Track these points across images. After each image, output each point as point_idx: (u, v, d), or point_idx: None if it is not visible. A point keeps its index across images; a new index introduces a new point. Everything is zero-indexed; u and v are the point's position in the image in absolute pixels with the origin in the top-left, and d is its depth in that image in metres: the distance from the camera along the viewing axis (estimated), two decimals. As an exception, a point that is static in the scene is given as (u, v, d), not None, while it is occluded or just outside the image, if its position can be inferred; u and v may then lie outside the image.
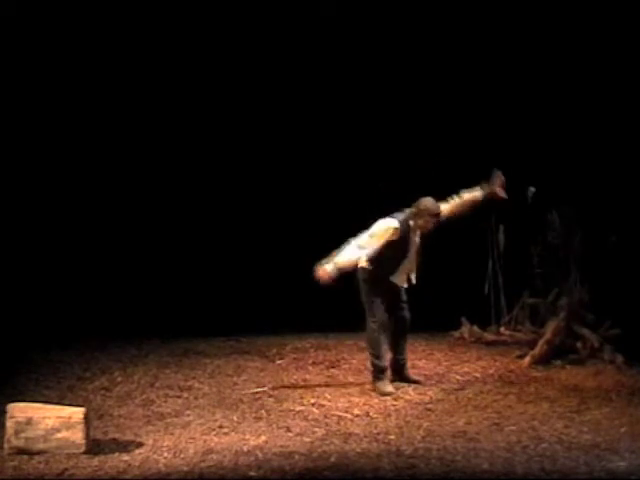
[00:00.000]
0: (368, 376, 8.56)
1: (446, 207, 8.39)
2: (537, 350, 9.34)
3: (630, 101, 10.34)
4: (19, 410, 6.83)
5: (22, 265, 10.81)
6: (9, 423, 6.79)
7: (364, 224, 8.27)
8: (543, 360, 9.26)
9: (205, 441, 7.05)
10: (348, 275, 8.35)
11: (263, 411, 7.81)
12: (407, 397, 8.18)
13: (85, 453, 6.74)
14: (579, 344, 9.46)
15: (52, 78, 10.89)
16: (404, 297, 8.49)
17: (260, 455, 6.70)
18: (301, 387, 8.54)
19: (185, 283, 10.99)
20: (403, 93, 10.98)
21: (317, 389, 8.43)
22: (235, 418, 7.62)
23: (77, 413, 6.84)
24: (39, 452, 6.72)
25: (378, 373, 8.40)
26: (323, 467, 6.43)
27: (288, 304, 10.61)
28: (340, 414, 7.69)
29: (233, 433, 7.25)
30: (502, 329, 10.36)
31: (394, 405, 7.95)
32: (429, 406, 7.91)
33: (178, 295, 10.87)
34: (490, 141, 10.81)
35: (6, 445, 6.78)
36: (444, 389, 8.44)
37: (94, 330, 10.38)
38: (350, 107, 11.07)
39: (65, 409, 6.94)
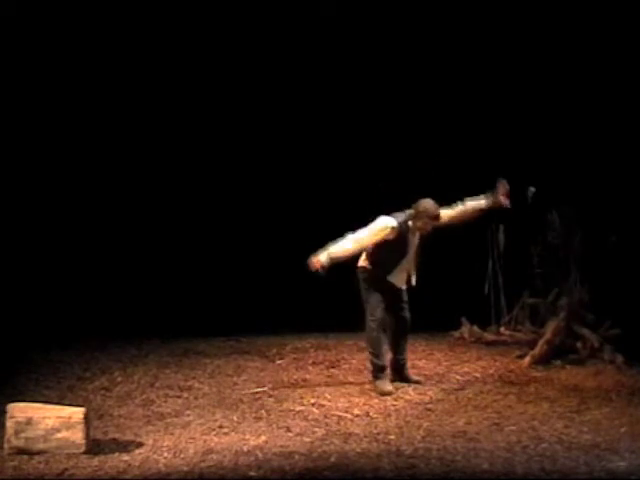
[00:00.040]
0: (368, 376, 8.57)
1: (449, 212, 8.41)
2: (537, 350, 9.35)
3: (630, 101, 10.34)
4: (19, 410, 6.83)
5: (22, 265, 10.81)
6: (9, 423, 6.79)
7: (364, 224, 8.26)
8: (543, 360, 9.26)
9: (205, 441, 7.05)
10: (342, 267, 8.40)
11: (263, 411, 7.81)
12: (407, 397, 8.18)
13: (85, 453, 6.74)
14: (579, 344, 9.46)
15: (52, 78, 10.89)
16: (404, 297, 8.50)
17: (260, 455, 6.70)
18: (301, 387, 8.54)
19: (185, 283, 11.00)
20: (403, 93, 10.98)
21: (317, 389, 8.43)
22: (235, 418, 7.62)
23: (77, 413, 6.84)
24: (39, 452, 6.72)
25: (377, 372, 8.41)
26: (323, 467, 6.43)
27: (288, 304, 10.62)
28: (340, 414, 7.69)
29: (233, 433, 7.25)
30: (502, 329, 10.37)
31: (394, 405, 7.95)
32: (429, 406, 7.91)
33: (178, 295, 10.88)
34: (490, 141, 10.82)
35: (6, 445, 6.78)
36: (444, 389, 8.44)
37: (94, 330, 10.38)
38: (350, 107, 11.08)
39: (65, 409, 6.94)
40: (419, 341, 9.85)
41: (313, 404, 7.97)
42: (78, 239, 11.06)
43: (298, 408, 7.88)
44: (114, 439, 7.13)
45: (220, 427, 7.39)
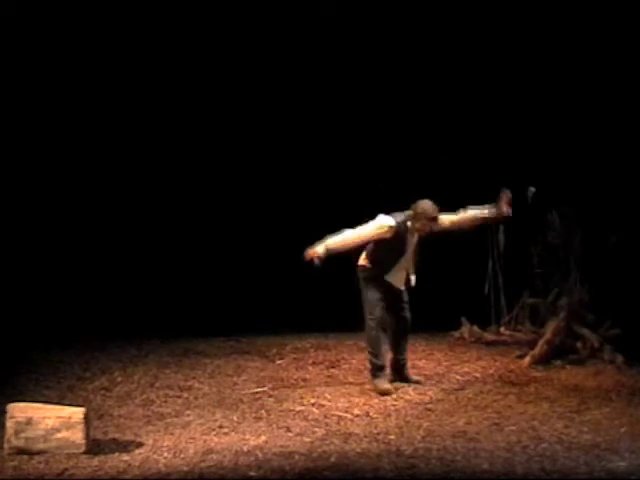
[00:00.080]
0: (368, 376, 8.56)
1: (451, 218, 8.43)
2: (537, 350, 9.35)
3: (630, 101, 10.34)
4: (19, 410, 6.83)
5: (22, 265, 10.81)
6: (9, 423, 6.79)
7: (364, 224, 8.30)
8: (543, 360, 9.26)
9: (205, 441, 7.05)
10: (342, 267, 8.43)
11: (263, 411, 7.81)
12: (407, 397, 8.18)
13: (85, 453, 6.74)
14: (579, 344, 9.46)
15: (52, 78, 10.89)
16: (405, 297, 8.52)
17: (260, 455, 6.70)
18: (301, 387, 8.54)
19: (185, 283, 11.00)
20: (403, 93, 10.98)
21: (317, 389, 8.43)
22: (235, 418, 7.62)
23: (77, 413, 6.84)
24: (39, 452, 6.72)
25: (376, 371, 8.42)
26: (323, 467, 6.43)
27: (288, 304, 10.62)
28: (340, 414, 7.69)
29: (233, 433, 7.25)
30: (502, 329, 10.37)
31: (394, 405, 7.95)
32: (429, 406, 7.91)
33: (178, 295, 10.88)
34: (490, 141, 10.82)
35: (6, 445, 6.78)
36: (444, 389, 8.44)
37: (94, 330, 10.38)
38: (350, 107, 11.08)
39: (65, 409, 6.94)
40: (419, 341, 9.85)
41: (313, 404, 7.97)
42: (78, 239, 11.06)
43: (298, 408, 7.88)
44: (114, 439, 7.13)
45: (220, 427, 7.39)
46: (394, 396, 8.18)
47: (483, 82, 10.85)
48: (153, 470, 6.48)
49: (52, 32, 10.65)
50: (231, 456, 6.68)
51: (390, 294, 8.40)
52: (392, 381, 8.51)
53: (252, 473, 6.36)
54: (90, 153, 11.18)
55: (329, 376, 8.92)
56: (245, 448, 6.85)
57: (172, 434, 7.22)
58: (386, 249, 8.26)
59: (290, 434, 7.20)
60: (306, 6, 10.78)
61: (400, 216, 8.27)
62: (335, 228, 8.32)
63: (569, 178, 10.15)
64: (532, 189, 10.17)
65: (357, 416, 7.65)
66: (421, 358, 9.44)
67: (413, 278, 8.49)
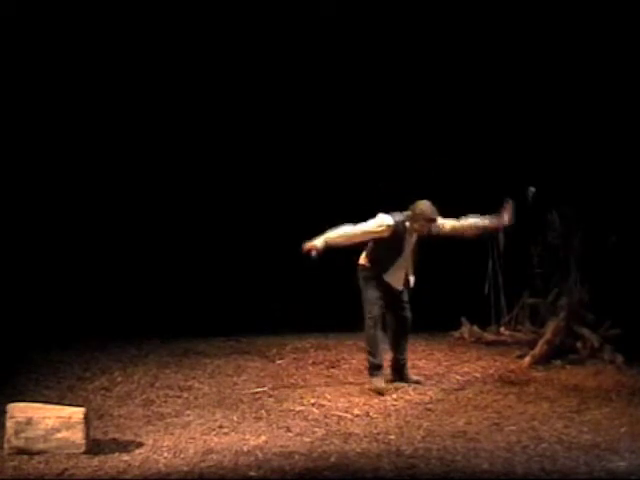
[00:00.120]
0: (368, 376, 8.57)
1: (453, 223, 8.45)
2: (537, 350, 9.35)
3: (630, 101, 10.34)
4: (19, 410, 6.83)
5: (22, 265, 10.81)
6: (9, 423, 6.79)
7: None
8: (543, 360, 9.26)
9: (205, 441, 7.05)
10: (342, 268, 8.42)
11: (263, 411, 7.81)
12: (407, 397, 8.18)
13: (85, 453, 6.74)
14: (579, 344, 9.47)
15: (52, 78, 10.89)
16: (405, 297, 8.53)
17: (260, 455, 6.70)
18: (301, 387, 8.54)
19: (185, 283, 10.99)
20: (403, 93, 10.98)
21: (317, 389, 8.43)
22: (235, 418, 7.62)
23: (77, 413, 6.84)
24: (39, 452, 6.72)
25: (373, 370, 8.45)
26: (323, 467, 6.43)
27: (288, 304, 10.63)
28: (340, 414, 7.69)
29: (233, 433, 7.25)
30: (502, 329, 10.37)
31: (394, 405, 7.95)
32: (429, 406, 7.91)
33: (178, 295, 10.88)
34: (490, 141, 10.82)
35: (6, 445, 6.77)
36: (444, 389, 8.44)
37: (94, 330, 10.38)
38: (350, 107, 11.08)
39: (65, 409, 6.94)
40: (419, 341, 9.85)
41: (313, 404, 7.97)
42: (78, 239, 11.06)
43: (298, 408, 7.88)
44: (114, 439, 7.13)
45: (220, 427, 7.39)
46: (394, 396, 8.18)
47: (483, 82, 10.85)
48: (153, 470, 6.48)
49: (52, 32, 10.65)
50: (231, 456, 6.68)
51: (390, 294, 8.42)
52: (392, 381, 8.53)
53: (252, 473, 6.36)
54: (90, 153, 11.18)
55: (329, 376, 8.92)
56: (245, 448, 6.85)
57: (172, 434, 7.22)
58: (385, 248, 8.29)
59: (290, 434, 7.20)
60: (306, 6, 10.78)
61: (400, 216, 8.30)
62: (335, 228, 8.33)
63: (569, 178, 10.15)
64: (532, 189, 10.18)
65: (357, 416, 7.65)
66: (421, 358, 9.44)
67: (412, 279, 8.51)
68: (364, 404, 7.96)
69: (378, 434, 7.15)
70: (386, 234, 8.24)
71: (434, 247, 8.55)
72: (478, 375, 8.92)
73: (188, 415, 7.72)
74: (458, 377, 8.84)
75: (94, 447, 6.85)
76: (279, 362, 9.46)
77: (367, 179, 10.91)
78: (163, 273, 11.05)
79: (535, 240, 10.10)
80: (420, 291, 8.59)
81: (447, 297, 10.18)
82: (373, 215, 8.32)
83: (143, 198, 11.23)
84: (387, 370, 8.70)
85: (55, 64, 10.83)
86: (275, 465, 6.49)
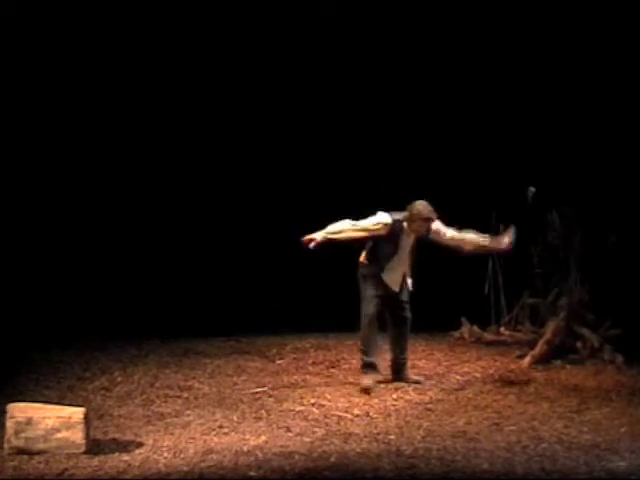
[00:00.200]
0: (373, 376, 8.57)
1: (454, 234, 8.47)
2: (537, 350, 9.35)
3: (630, 101, 10.34)
4: (19, 410, 6.83)
5: (22, 265, 10.81)
6: (9, 423, 6.78)
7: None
8: (543, 360, 9.27)
9: (205, 441, 7.05)
10: (341, 268, 8.43)
11: (263, 411, 7.81)
12: (407, 397, 8.18)
13: (85, 453, 6.74)
14: (579, 344, 9.47)
15: (52, 78, 10.89)
16: (404, 297, 8.54)
17: (260, 455, 6.70)
18: (301, 387, 8.54)
19: (185, 283, 10.99)
20: (403, 93, 10.98)
21: (317, 389, 8.43)
22: (235, 418, 7.62)
23: (77, 413, 6.83)
24: (39, 452, 6.72)
25: (364, 368, 8.51)
26: (323, 467, 6.43)
27: (288, 304, 10.63)
28: (340, 414, 7.69)
29: (233, 433, 7.25)
30: (502, 329, 10.37)
31: (394, 405, 7.95)
32: (429, 406, 7.91)
33: (178, 295, 10.87)
34: (490, 141, 10.82)
35: (6, 445, 6.77)
36: (444, 389, 8.44)
37: (94, 330, 10.37)
38: (350, 107, 11.08)
39: (65, 409, 6.93)
40: (419, 341, 9.84)
41: (313, 404, 7.97)
42: (78, 239, 11.06)
43: (298, 408, 7.88)
44: (114, 439, 7.13)
45: (220, 427, 7.39)
46: (394, 396, 8.19)
47: (483, 82, 10.85)
48: (153, 470, 6.48)
49: (52, 32, 10.65)
50: (231, 456, 6.68)
51: (388, 294, 8.44)
52: (392, 381, 8.53)
53: (252, 473, 6.36)
54: (90, 153, 11.18)
55: (329, 376, 8.92)
56: (245, 448, 6.85)
57: (172, 434, 7.22)
58: (382, 247, 8.36)
59: (290, 434, 7.20)
60: (306, 6, 10.78)
61: (399, 215, 8.35)
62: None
63: (569, 178, 10.15)
64: (532, 189, 10.18)
65: (357, 416, 7.65)
66: (421, 358, 9.44)
67: (410, 282, 8.53)
68: (364, 404, 7.96)
69: (378, 434, 7.15)
70: (383, 232, 8.30)
71: (434, 247, 8.55)
72: (478, 375, 8.92)
73: (188, 415, 7.72)
74: (458, 377, 8.84)
75: (94, 447, 6.85)
76: (279, 362, 9.46)
77: (367, 179, 10.91)
78: (163, 273, 11.05)
79: (535, 240, 10.10)
80: (420, 291, 8.60)
81: (447, 297, 10.18)
82: (373, 215, 8.36)
83: (143, 198, 11.23)
84: (387, 370, 8.71)
85: (55, 64, 10.83)
86: (275, 465, 6.48)
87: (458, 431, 7.21)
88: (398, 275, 8.45)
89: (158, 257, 11.15)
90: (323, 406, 7.91)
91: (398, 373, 8.62)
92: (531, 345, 9.55)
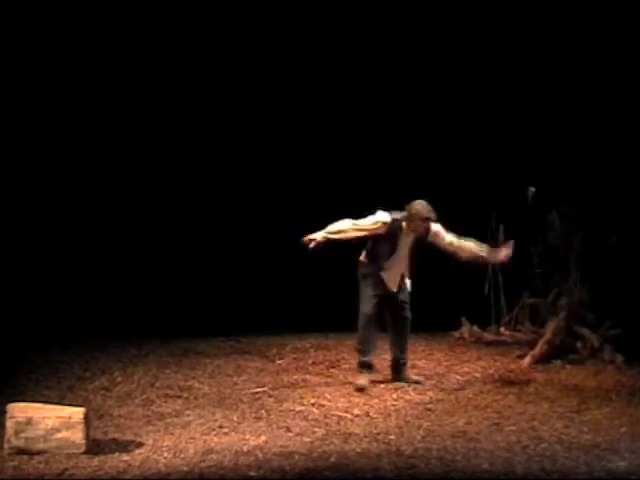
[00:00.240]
0: (368, 376, 8.58)
1: (452, 239, 8.46)
2: (537, 350, 9.35)
3: (630, 101, 10.34)
4: (19, 410, 6.82)
5: (22, 265, 10.81)
6: (9, 423, 6.78)
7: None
8: (543, 360, 9.27)
9: (205, 441, 7.05)
10: (341, 268, 8.44)
11: (263, 411, 7.81)
12: (407, 397, 8.18)
13: (85, 453, 6.73)
14: (579, 344, 9.47)
15: (52, 78, 10.89)
16: (404, 297, 8.54)
17: (260, 455, 6.70)
18: (301, 387, 8.54)
19: (185, 283, 10.99)
20: (403, 93, 10.98)
21: (317, 389, 8.42)
22: (235, 418, 7.62)
23: (77, 413, 6.83)
24: (39, 452, 6.71)
25: (360, 367, 8.54)
26: (323, 467, 6.43)
27: (288, 304, 10.63)
28: (340, 414, 7.69)
29: (233, 433, 7.25)
30: (502, 329, 10.37)
31: (394, 405, 7.95)
32: (429, 406, 7.91)
33: (178, 295, 10.88)
34: (490, 141, 10.82)
35: (6, 445, 6.77)
36: (444, 389, 8.44)
37: (94, 330, 10.37)
38: (350, 107, 11.08)
39: (65, 409, 6.93)
40: (419, 341, 9.85)
41: (313, 404, 7.97)
42: (78, 239, 11.06)
43: (298, 408, 7.87)
44: (114, 439, 7.13)
45: (220, 427, 7.38)
46: (394, 396, 8.19)
47: (483, 82, 10.85)
48: (153, 470, 6.47)
49: (52, 32, 10.65)
50: (231, 456, 6.68)
51: (387, 294, 8.47)
52: (392, 381, 8.53)
53: (252, 473, 6.36)
54: (90, 153, 11.18)
55: (329, 376, 8.92)
56: (245, 448, 6.85)
57: (172, 434, 7.22)
58: (381, 246, 8.39)
59: (290, 434, 7.20)
60: (306, 6, 10.78)
61: (398, 215, 8.38)
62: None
63: (569, 178, 10.15)
64: (532, 189, 10.18)
65: (357, 416, 7.65)
66: (421, 358, 9.44)
67: (408, 282, 8.53)
68: (364, 404, 7.96)
69: (378, 434, 7.15)
70: (381, 231, 8.33)
71: (434, 248, 8.55)
72: (478, 375, 8.92)
73: (188, 415, 7.72)
74: (458, 377, 8.84)
75: (94, 447, 6.85)
76: (279, 362, 9.46)
77: (367, 179, 10.91)
78: (163, 273, 11.05)
79: (535, 240, 10.10)
80: (420, 291, 8.60)
81: (447, 297, 10.18)
82: (373, 214, 8.38)
83: (143, 198, 11.23)
84: (387, 370, 8.71)
85: (55, 64, 10.83)
86: (275, 465, 6.48)
87: (458, 431, 7.20)
88: (396, 274, 8.47)
89: (158, 257, 11.15)
90: (323, 406, 7.91)
91: (398, 373, 8.62)
92: (531, 345, 9.55)
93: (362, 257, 8.56)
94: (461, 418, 7.55)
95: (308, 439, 7.07)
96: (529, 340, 9.80)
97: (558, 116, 10.62)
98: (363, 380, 8.40)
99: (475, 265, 10.31)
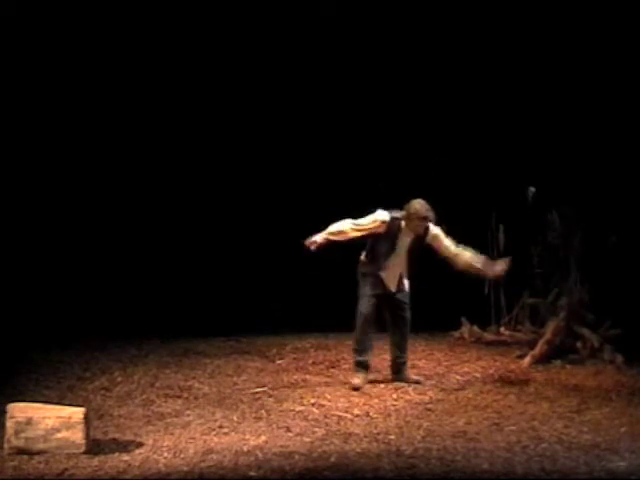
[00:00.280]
0: (368, 376, 8.57)
1: (450, 247, 8.46)
2: (537, 350, 9.35)
3: (630, 101, 10.34)
4: (19, 410, 6.82)
5: (22, 265, 10.80)
6: (9, 423, 6.78)
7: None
8: (543, 360, 9.27)
9: (205, 441, 7.05)
10: (341, 268, 8.45)
11: (263, 411, 7.81)
12: (407, 397, 8.19)
13: (85, 453, 6.73)
14: (579, 344, 9.48)
15: (52, 78, 10.88)
16: (403, 298, 8.55)
17: (260, 455, 6.70)
18: (301, 387, 8.54)
19: (185, 283, 10.99)
20: (403, 93, 10.98)
21: (317, 389, 8.42)
22: (235, 418, 7.62)
23: (77, 413, 6.83)
24: (39, 452, 6.71)
25: (356, 366, 8.56)
26: (323, 467, 6.43)
27: (288, 304, 10.62)
28: (340, 414, 7.69)
29: (233, 433, 7.25)
30: (502, 329, 10.38)
31: (394, 405, 7.95)
32: (429, 406, 7.91)
33: (178, 295, 10.87)
34: (490, 141, 10.82)
35: (6, 445, 6.77)
36: (444, 389, 8.44)
37: (94, 330, 10.37)
38: (350, 107, 11.08)
39: (65, 409, 6.93)
40: (419, 341, 9.85)
41: (313, 404, 7.97)
42: (78, 239, 11.06)
43: (298, 408, 7.87)
44: (114, 439, 7.13)
45: (220, 427, 7.38)
46: (394, 396, 8.19)
47: (483, 82, 10.85)
48: (153, 470, 6.48)
49: (52, 32, 10.64)
50: (231, 456, 6.68)
51: (386, 293, 8.48)
52: (392, 381, 8.53)
53: (252, 473, 6.36)
54: (90, 153, 11.17)
55: (329, 376, 8.92)
56: (245, 448, 6.85)
57: (172, 434, 7.22)
58: (380, 245, 8.41)
59: (290, 434, 7.20)
60: (306, 6, 10.78)
61: (398, 213, 8.40)
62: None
63: (569, 178, 10.15)
64: (532, 189, 10.18)
65: (357, 416, 7.65)
66: (421, 358, 9.44)
67: (406, 282, 8.53)
68: (364, 404, 7.96)
69: (378, 434, 7.15)
70: (381, 230, 8.36)
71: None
72: (478, 375, 8.92)
73: (188, 415, 7.72)
74: (458, 377, 8.84)
75: (94, 447, 6.85)
76: (279, 362, 9.46)
77: (367, 179, 10.91)
78: (163, 273, 11.05)
79: (535, 240, 10.10)
80: (420, 291, 8.60)
81: (447, 297, 10.18)
82: (373, 214, 8.39)
83: (143, 198, 11.23)
84: (387, 370, 8.71)
85: (55, 64, 10.83)
86: (275, 465, 6.48)
87: (458, 431, 7.20)
88: (395, 274, 8.47)
89: (158, 257, 11.15)
90: (323, 406, 7.91)
91: (398, 373, 8.63)
92: (531, 345, 9.55)
93: (362, 256, 8.57)
94: (461, 418, 7.55)
95: (308, 439, 7.07)
96: (529, 340, 9.80)
97: (558, 116, 10.61)
98: (358, 380, 8.40)
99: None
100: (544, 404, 7.92)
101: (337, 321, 9.91)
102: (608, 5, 10.33)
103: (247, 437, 7.11)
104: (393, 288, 8.48)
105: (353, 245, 8.49)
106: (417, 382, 8.56)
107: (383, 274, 8.44)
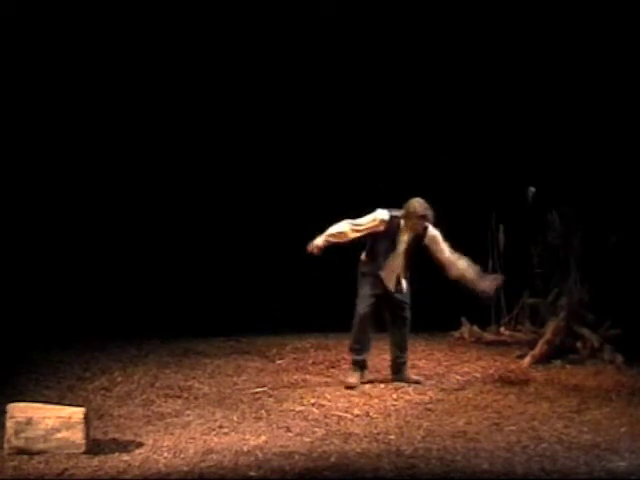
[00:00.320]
0: (368, 376, 8.58)
1: (447, 254, 8.44)
2: (537, 350, 9.35)
3: (630, 101, 10.34)
4: (19, 410, 6.82)
5: (22, 265, 10.80)
6: (9, 423, 6.78)
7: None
8: (543, 360, 9.27)
9: (205, 441, 7.05)
10: (341, 268, 8.46)
11: (263, 411, 7.81)
12: (407, 397, 8.19)
13: (85, 453, 6.73)
14: (579, 344, 9.47)
15: (52, 78, 10.88)
16: (403, 297, 8.54)
17: (260, 455, 6.70)
18: (301, 387, 8.54)
19: (185, 283, 10.99)
20: (403, 93, 10.98)
21: (317, 389, 8.42)
22: (235, 418, 7.62)
23: (77, 413, 6.83)
24: (39, 452, 6.71)
25: (352, 365, 8.58)
26: (323, 467, 6.43)
27: (288, 304, 10.62)
28: (340, 414, 7.69)
29: (233, 433, 7.25)
30: (502, 329, 10.37)
31: (394, 405, 7.95)
32: (429, 406, 7.91)
33: (178, 295, 10.87)
34: (490, 141, 10.82)
35: (6, 445, 6.77)
36: (444, 389, 8.44)
37: (94, 330, 10.37)
38: (350, 107, 11.08)
39: (65, 409, 6.93)
40: (419, 341, 9.85)
41: (313, 404, 7.97)
42: (78, 239, 11.06)
43: (298, 408, 7.87)
44: (114, 439, 7.13)
45: (220, 427, 7.38)
46: (394, 396, 8.19)
47: (483, 82, 10.85)
48: (153, 470, 6.48)
49: (52, 32, 10.65)
50: (231, 456, 6.68)
51: (385, 293, 8.48)
52: (392, 381, 8.53)
53: (252, 473, 6.36)
54: (90, 153, 11.18)
55: (329, 376, 8.92)
56: (245, 448, 6.85)
57: (172, 434, 7.22)
58: (380, 244, 8.41)
59: (290, 434, 7.20)
60: (306, 6, 10.78)
61: (397, 212, 8.41)
62: (335, 228, 8.37)
63: (569, 178, 10.15)
64: (532, 189, 10.18)
65: (357, 416, 7.65)
66: (421, 358, 9.44)
67: (404, 283, 8.53)
68: (364, 404, 7.96)
69: (378, 434, 7.15)
70: (381, 228, 8.37)
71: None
72: (478, 375, 8.92)
73: (188, 415, 7.72)
74: (458, 377, 8.84)
75: (94, 447, 6.85)
76: (279, 362, 9.46)
77: (367, 179, 10.91)
78: (163, 273, 11.05)
79: (535, 240, 10.10)
80: (420, 291, 8.60)
81: (447, 297, 10.16)
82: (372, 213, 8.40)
83: (143, 198, 11.23)
84: (387, 370, 8.71)
85: (55, 64, 10.83)
86: (275, 465, 6.48)
87: (458, 431, 7.20)
88: (394, 273, 8.47)
89: (158, 257, 11.15)
90: (323, 406, 7.91)
91: (398, 373, 8.62)
92: (531, 345, 9.55)
93: (362, 256, 8.58)
94: (461, 418, 7.55)
95: (308, 439, 7.07)
96: (529, 340, 9.80)
97: (558, 116, 10.61)
98: (354, 379, 8.42)
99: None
100: (544, 404, 7.92)
101: (337, 321, 9.90)
102: (608, 5, 10.32)
103: (247, 437, 7.11)
104: (392, 287, 8.48)
105: (353, 245, 8.50)
106: (417, 382, 8.56)
107: (382, 274, 8.45)
